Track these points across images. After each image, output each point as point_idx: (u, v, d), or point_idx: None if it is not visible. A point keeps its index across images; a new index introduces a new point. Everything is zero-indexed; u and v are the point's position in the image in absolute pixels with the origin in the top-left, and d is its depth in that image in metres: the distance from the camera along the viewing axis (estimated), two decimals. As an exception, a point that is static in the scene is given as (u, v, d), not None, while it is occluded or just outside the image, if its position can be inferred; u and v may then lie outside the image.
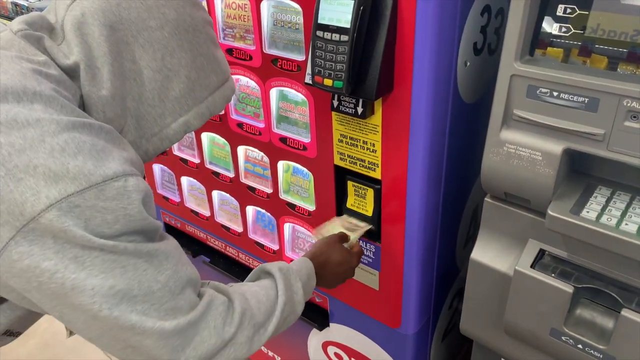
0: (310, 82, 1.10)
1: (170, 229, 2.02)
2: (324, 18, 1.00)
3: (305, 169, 1.36)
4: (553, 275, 0.98)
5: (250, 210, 1.62)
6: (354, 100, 1.11)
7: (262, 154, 1.45)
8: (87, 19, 0.67)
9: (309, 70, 1.09)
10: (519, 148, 0.95)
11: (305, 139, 1.31)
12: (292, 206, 1.45)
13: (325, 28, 1.00)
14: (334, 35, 0.99)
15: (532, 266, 1.01)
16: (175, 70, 0.72)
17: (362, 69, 1.02)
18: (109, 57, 0.68)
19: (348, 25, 0.97)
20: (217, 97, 0.80)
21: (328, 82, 1.04)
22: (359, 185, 1.26)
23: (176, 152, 1.74)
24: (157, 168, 1.89)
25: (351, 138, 1.20)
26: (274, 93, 1.33)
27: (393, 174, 1.17)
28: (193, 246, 1.92)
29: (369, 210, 1.27)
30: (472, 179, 1.41)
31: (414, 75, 1.03)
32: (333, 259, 1.12)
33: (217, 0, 1.30)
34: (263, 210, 1.56)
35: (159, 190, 1.94)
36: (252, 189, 1.54)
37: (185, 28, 0.72)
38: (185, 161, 1.71)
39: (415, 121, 1.07)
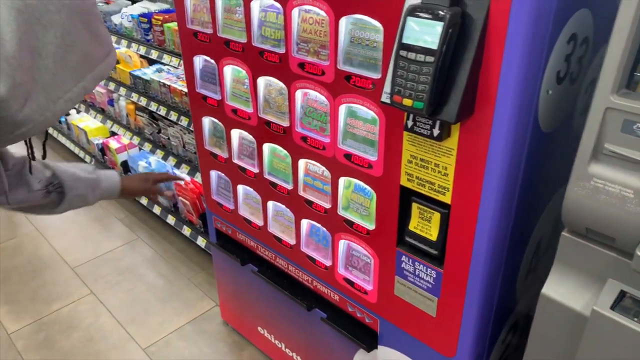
0: (388, 101, 1.08)
1: (220, 235, 2.03)
2: (409, 38, 0.99)
3: (368, 187, 1.35)
4: (635, 319, 0.93)
5: (305, 223, 1.61)
6: (430, 122, 1.09)
7: (323, 168, 1.45)
8: None
9: (387, 89, 1.08)
10: (608, 184, 0.91)
11: (372, 157, 1.29)
12: (350, 223, 1.44)
13: (410, 48, 0.99)
14: (418, 55, 0.98)
15: (612, 308, 0.96)
16: (72, 45, 0.86)
17: (445, 90, 1.00)
18: (17, 33, 0.79)
19: (435, 47, 0.95)
20: (105, 64, 0.92)
21: (408, 102, 1.02)
22: (425, 208, 1.23)
23: (235, 160, 1.75)
24: (214, 174, 1.91)
25: (422, 159, 1.18)
26: (342, 109, 1.32)
27: (464, 200, 1.14)
28: (242, 254, 1.92)
29: (432, 235, 1.24)
30: (540, 210, 1.36)
31: (497, 100, 1.00)
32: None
33: (294, 14, 1.30)
34: (318, 225, 1.55)
35: (213, 196, 1.96)
36: (310, 203, 1.53)
37: (78, 11, 0.85)
38: (243, 170, 1.72)
39: (494, 147, 1.04)
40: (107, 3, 3.18)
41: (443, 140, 1.10)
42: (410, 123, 1.13)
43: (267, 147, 1.61)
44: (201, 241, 2.63)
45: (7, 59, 0.79)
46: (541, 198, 1.33)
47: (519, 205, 1.20)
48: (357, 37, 1.21)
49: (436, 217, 1.22)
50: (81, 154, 3.73)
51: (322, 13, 1.23)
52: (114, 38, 2.87)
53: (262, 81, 1.51)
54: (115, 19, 2.92)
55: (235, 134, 1.71)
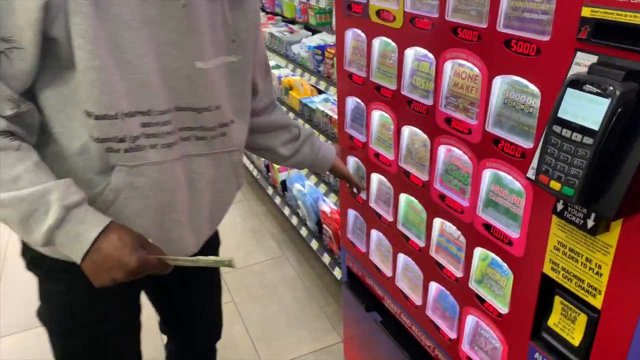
0: (532, 177, 0.93)
1: (351, 274, 2.00)
2: (567, 112, 0.84)
3: (505, 265, 1.18)
4: None
5: (434, 286, 1.48)
6: (584, 210, 0.91)
7: (459, 232, 1.32)
8: None
9: (534, 164, 0.93)
10: None
11: (513, 233, 1.13)
12: (482, 300, 1.28)
13: (566, 124, 0.84)
14: (574, 134, 0.82)
15: None
16: None
17: (604, 180, 0.82)
18: None
19: (596, 127, 0.79)
20: None
21: (555, 185, 0.87)
22: (570, 307, 1.03)
23: (372, 204, 1.70)
24: (351, 213, 1.88)
25: (571, 250, 0.99)
26: (487, 174, 1.18)
27: (620, 308, 0.93)
28: (369, 300, 1.86)
29: (575, 339, 1.04)
30: None
31: (677, 199, 0.79)
32: (124, 237, 0.94)
33: (447, 67, 1.21)
34: (447, 292, 1.42)
35: (349, 234, 1.93)
36: (441, 266, 1.41)
37: None
38: (379, 215, 1.67)
39: (666, 256, 0.83)
40: (290, 32, 3.40)
41: (599, 235, 0.91)
42: (560, 207, 0.96)
43: (403, 197, 1.53)
44: (337, 272, 2.63)
45: None
46: None
47: (698, 329, 0.94)
48: (511, 99, 1.08)
49: (582, 319, 1.02)
50: (250, 167, 4.04)
51: (476, 69, 1.12)
52: (290, 67, 3.05)
53: (406, 130, 1.44)
54: (295, 48, 3.10)
55: (375, 178, 1.67)
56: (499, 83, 1.08)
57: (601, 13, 0.82)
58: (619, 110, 0.77)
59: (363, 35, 1.52)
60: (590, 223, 0.90)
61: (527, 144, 1.04)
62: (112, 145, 0.96)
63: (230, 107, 1.11)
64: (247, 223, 3.50)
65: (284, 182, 3.43)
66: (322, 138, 2.67)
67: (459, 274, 1.34)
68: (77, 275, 0.95)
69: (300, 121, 2.96)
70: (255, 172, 3.93)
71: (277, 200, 3.42)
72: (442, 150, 1.31)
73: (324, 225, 2.73)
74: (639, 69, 0.78)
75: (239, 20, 1.08)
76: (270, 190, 3.57)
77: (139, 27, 0.92)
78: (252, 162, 4.02)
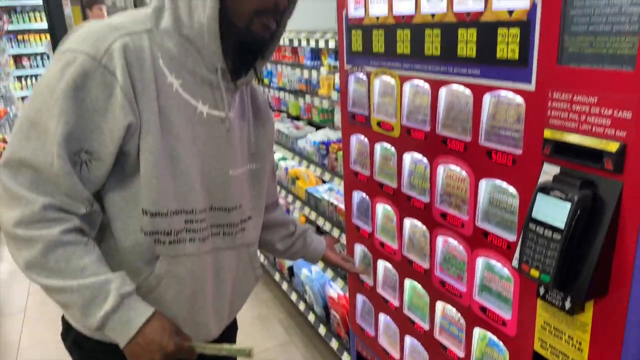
0: (516, 266, 1.11)
1: (361, 359, 2.10)
2: (539, 213, 1.03)
3: (501, 344, 1.33)
4: None
5: (439, 366, 1.61)
6: (562, 294, 1.08)
7: (459, 315, 1.46)
8: None
9: (517, 255, 1.11)
10: None
11: (506, 314, 1.29)
12: (483, 377, 1.40)
13: (539, 223, 1.03)
14: (546, 231, 1.01)
15: None
16: None
17: (574, 268, 1.00)
18: None
19: (562, 226, 0.98)
20: None
21: (535, 273, 1.04)
22: (559, 380, 1.17)
23: (379, 290, 1.86)
24: (359, 298, 2.03)
25: (555, 328, 1.14)
26: (480, 262, 1.36)
27: (600, 381, 1.07)
28: (378, 383, 1.95)
29: (567, 411, 1.16)
30: None
31: (633, 283, 0.97)
32: (165, 324, 1.09)
33: (440, 170, 1.43)
34: (452, 371, 1.54)
35: (357, 319, 2.06)
36: (444, 347, 1.54)
37: None
38: (386, 300, 1.81)
39: (631, 330, 0.99)
40: (296, 128, 3.70)
41: (576, 314, 1.07)
42: (542, 291, 1.12)
43: (408, 282, 1.69)
44: (346, 357, 2.71)
45: None
46: None
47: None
48: (495, 199, 1.28)
49: (571, 392, 1.15)
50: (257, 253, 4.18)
51: (464, 173, 1.34)
52: (296, 159, 3.30)
53: (408, 222, 1.63)
54: (301, 143, 3.37)
55: (382, 264, 1.83)
56: (484, 185, 1.29)
57: (559, 135, 1.04)
58: (578, 212, 0.97)
59: (366, 140, 1.75)
60: (567, 304, 1.07)
61: (511, 237, 1.22)
62: (160, 237, 1.12)
63: (249, 205, 1.30)
64: (254, 309, 3.59)
65: (291, 268, 3.56)
66: (328, 225, 2.86)
67: (461, 354, 1.47)
68: (117, 357, 1.08)
69: (307, 209, 3.16)
70: (262, 258, 4.07)
71: (285, 286, 3.53)
72: (440, 240, 1.50)
73: (332, 311, 2.84)
74: (591, 179, 0.99)
75: (260, 136, 1.31)
76: (277, 276, 3.69)
77: (190, 143, 1.11)
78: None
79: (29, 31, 9.07)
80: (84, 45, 1.00)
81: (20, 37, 8.91)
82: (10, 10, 8.95)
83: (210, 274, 1.24)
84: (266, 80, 4.01)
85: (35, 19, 9.12)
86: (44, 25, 8.97)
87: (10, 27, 8.17)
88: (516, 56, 1.11)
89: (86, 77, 0.98)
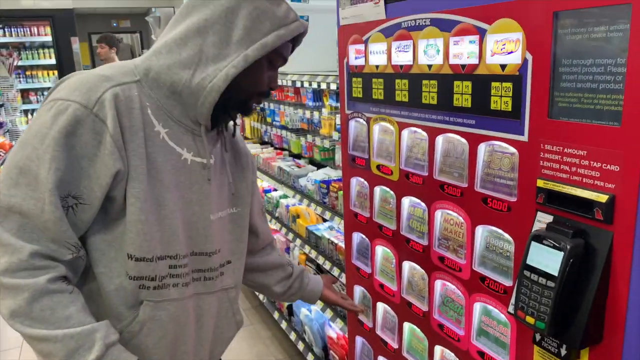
0: (512, 312, 1.13)
1: (359, 401, 2.08)
2: (533, 260, 1.06)
3: (500, 389, 1.33)
4: None
5: (439, 411, 1.60)
6: (557, 340, 1.09)
7: (457, 359, 1.47)
8: None
9: (513, 300, 1.14)
10: None
11: (503, 359, 1.30)
12: (482, 423, 1.40)
13: (533, 270, 1.06)
14: (540, 278, 1.04)
15: None
16: (234, 23, 1.08)
17: (568, 315, 1.02)
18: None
19: (556, 273, 1.01)
20: (272, 37, 1.09)
21: (530, 319, 1.06)
22: None
23: (378, 332, 1.86)
24: (359, 341, 2.03)
25: (552, 375, 1.15)
26: (477, 307, 1.38)
27: None
28: None
29: None
30: None
31: (626, 330, 0.99)
32: None
33: (437, 214, 1.46)
34: (451, 416, 1.53)
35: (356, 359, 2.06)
36: (443, 391, 1.54)
37: None
38: (385, 343, 1.82)
39: (627, 380, 1.00)
40: (298, 167, 3.75)
41: (571, 361, 1.08)
42: (538, 337, 1.14)
43: (407, 325, 1.70)
44: (345, 399, 2.67)
45: (175, 40, 1.10)
46: None
47: None
48: (492, 244, 1.31)
49: None
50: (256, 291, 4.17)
51: (461, 218, 1.37)
52: (297, 197, 3.34)
53: (406, 265, 1.65)
54: (302, 181, 3.42)
55: (381, 307, 1.84)
56: (481, 231, 1.32)
57: (551, 185, 1.08)
58: (571, 260, 0.99)
59: (366, 183, 1.79)
60: (563, 351, 1.08)
61: (507, 282, 1.25)
62: (144, 282, 1.13)
63: (228, 249, 1.30)
64: (252, 348, 3.56)
65: (290, 307, 3.55)
66: (328, 264, 2.87)
67: (460, 398, 1.47)
68: None
69: (307, 247, 3.18)
70: (261, 296, 4.06)
71: (284, 324, 3.52)
72: (438, 284, 1.52)
73: (331, 351, 2.82)
74: (583, 228, 1.02)
75: (239, 181, 1.33)
76: (276, 315, 3.68)
77: (174, 189, 1.14)
78: (259, 286, 4.17)
79: (37, 67, 9.29)
80: (76, 95, 1.02)
81: (28, 72, 9.12)
82: (20, 47, 9.19)
83: (192, 320, 1.24)
84: (269, 119, 4.09)
85: (44, 55, 9.35)
86: (52, 61, 9.22)
87: (20, 63, 8.36)
88: (509, 108, 1.16)
89: (77, 124, 1.01)
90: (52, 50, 9.33)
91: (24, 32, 9.17)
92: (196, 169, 1.18)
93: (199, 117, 1.13)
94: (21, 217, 1.00)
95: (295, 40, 1.22)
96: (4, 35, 9.09)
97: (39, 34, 9.26)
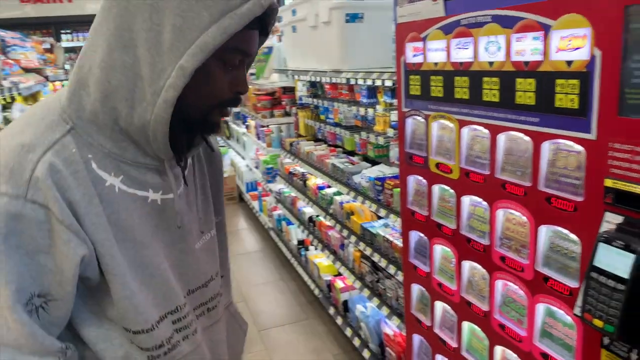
0: (579, 314, 1.10)
1: (416, 399, 2.08)
2: (601, 262, 1.03)
3: (565, 393, 1.30)
4: None
5: (499, 412, 1.58)
6: (627, 344, 1.06)
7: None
8: None
9: (579, 302, 1.11)
10: None
11: (569, 362, 1.27)
12: None
13: (601, 272, 1.03)
14: (609, 280, 1.01)
15: None
16: (161, 23, 0.79)
17: (639, 319, 0.99)
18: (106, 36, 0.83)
19: (626, 276, 0.98)
20: (210, 34, 0.80)
21: (598, 322, 1.04)
22: None
23: (436, 330, 1.86)
24: (416, 339, 2.03)
25: (622, 380, 1.12)
26: (541, 307, 1.35)
27: None
28: None
29: None
30: None
31: None
32: None
33: (499, 213, 1.44)
34: (513, 418, 1.51)
35: (414, 359, 2.06)
36: (505, 392, 1.52)
37: None
38: (443, 341, 1.81)
39: None
40: (351, 164, 3.77)
41: (643, 367, 1.05)
42: (606, 340, 1.11)
43: (466, 325, 1.68)
44: (401, 396, 2.68)
45: (99, 63, 0.82)
46: None
47: None
48: (556, 244, 1.28)
49: None
50: (312, 286, 4.24)
51: (524, 218, 1.35)
52: (352, 194, 3.36)
53: (466, 264, 1.64)
54: (356, 178, 3.44)
55: (439, 305, 1.84)
56: (544, 231, 1.29)
57: (620, 185, 1.05)
58: (643, 262, 0.96)
59: (424, 181, 1.79)
60: (634, 356, 1.05)
61: (573, 284, 1.22)
62: (153, 353, 0.97)
63: (218, 265, 1.16)
64: (309, 343, 3.61)
65: (345, 303, 3.58)
66: (384, 262, 2.88)
67: (522, 400, 1.45)
68: None
69: (362, 244, 3.20)
70: (316, 291, 4.11)
71: (339, 320, 3.55)
72: (499, 284, 1.50)
73: (387, 348, 2.83)
74: (656, 229, 0.98)
75: (206, 206, 1.12)
76: (331, 310, 3.72)
77: (151, 240, 0.95)
78: (314, 281, 4.23)
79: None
80: None
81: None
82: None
83: (208, 356, 1.12)
84: (322, 117, 4.13)
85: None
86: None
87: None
88: (576, 106, 1.13)
89: (14, 222, 0.79)
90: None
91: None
92: (170, 206, 0.98)
93: (158, 153, 0.89)
94: None
95: (264, 24, 0.91)
96: (72, 40, 9.64)
97: (103, 38, 9.75)
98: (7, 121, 3.46)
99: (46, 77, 4.94)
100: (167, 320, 0.99)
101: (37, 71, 4.86)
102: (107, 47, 0.82)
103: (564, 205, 1.20)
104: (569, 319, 1.26)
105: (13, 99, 3.71)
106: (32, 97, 4.43)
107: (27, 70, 4.68)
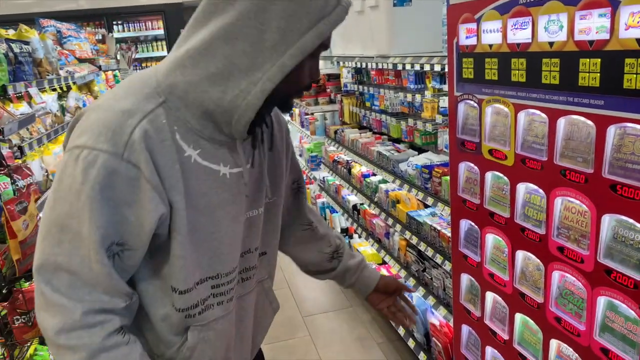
0: (646, 309, 1.04)
1: (464, 391, 2.04)
2: (673, 254, 0.97)
3: (626, 391, 1.24)
4: None
5: (553, 407, 1.52)
6: (701, 343, 0.99)
7: (577, 355, 1.39)
8: None
9: (647, 296, 1.05)
10: None
11: (631, 359, 1.20)
12: None
13: (673, 264, 0.96)
14: (683, 274, 0.94)
15: None
16: (266, 23, 0.88)
17: None
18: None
19: (702, 269, 0.91)
20: (309, 37, 0.91)
21: (669, 318, 0.97)
22: None
23: (487, 321, 1.81)
24: (465, 329, 1.98)
25: (692, 380, 1.05)
26: (601, 301, 1.29)
27: None
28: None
29: None
30: None
31: None
32: None
33: (557, 202, 1.38)
34: (568, 414, 1.45)
35: (462, 350, 2.01)
36: (560, 387, 1.46)
37: None
38: (494, 333, 1.76)
39: None
40: (397, 151, 3.71)
41: None
42: (676, 337, 1.04)
43: (519, 316, 1.63)
44: (447, 387, 2.64)
45: (199, 49, 0.93)
46: None
47: None
48: (620, 235, 1.21)
49: None
50: (356, 274, 4.22)
51: (585, 206, 1.28)
52: (397, 182, 3.31)
53: (520, 254, 1.58)
54: (402, 166, 3.38)
55: (490, 296, 1.78)
56: (608, 220, 1.23)
57: (697, 171, 0.97)
58: None
59: (476, 168, 1.73)
60: None
61: (638, 277, 1.15)
62: (190, 312, 1.08)
63: (264, 241, 1.24)
64: (353, 331, 3.61)
65: (390, 291, 3.55)
66: (430, 251, 2.83)
67: (579, 396, 1.39)
68: None
69: (407, 233, 3.15)
70: (360, 280, 4.10)
71: (384, 308, 3.52)
72: (556, 275, 1.43)
73: (433, 338, 2.79)
74: None
75: (274, 169, 1.21)
76: (376, 298, 3.69)
77: (215, 210, 1.05)
78: (358, 270, 4.21)
79: (151, 59, 10.03)
80: (101, 142, 0.91)
81: (144, 64, 9.87)
82: (136, 41, 9.98)
83: (235, 324, 1.21)
84: (367, 103, 4.08)
85: (157, 47, 10.10)
86: (165, 53, 9.91)
87: (136, 56, 9.07)
88: (647, 87, 1.06)
89: (110, 176, 0.91)
90: (164, 42, 10.04)
91: (139, 27, 9.99)
92: (236, 180, 1.08)
93: (235, 133, 0.99)
94: (69, 274, 0.94)
95: None
96: (123, 30, 9.91)
97: (152, 28, 10.00)
98: (63, 109, 3.58)
99: (99, 67, 5.09)
100: (207, 284, 1.08)
101: (90, 61, 5.01)
102: (209, 35, 0.92)
103: (630, 193, 1.13)
104: (632, 313, 1.19)
105: (69, 87, 3.83)
106: (85, 86, 4.58)
107: (81, 60, 4.83)
